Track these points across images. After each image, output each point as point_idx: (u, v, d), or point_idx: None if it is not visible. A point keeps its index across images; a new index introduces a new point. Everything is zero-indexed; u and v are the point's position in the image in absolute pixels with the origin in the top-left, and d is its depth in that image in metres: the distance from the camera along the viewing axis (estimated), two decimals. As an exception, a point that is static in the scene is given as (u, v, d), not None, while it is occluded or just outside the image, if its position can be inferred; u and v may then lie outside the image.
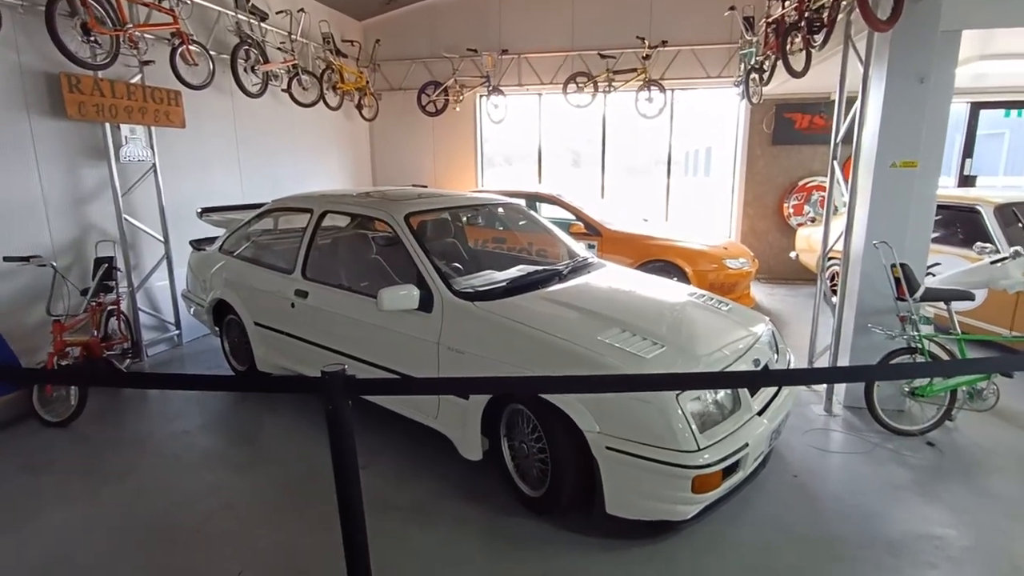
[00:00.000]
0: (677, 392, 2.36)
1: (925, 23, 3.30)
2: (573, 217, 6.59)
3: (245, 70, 5.95)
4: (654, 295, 3.44)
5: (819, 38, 4.08)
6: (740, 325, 3.15)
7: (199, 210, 4.91)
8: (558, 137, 9.77)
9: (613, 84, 8.05)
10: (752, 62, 6.12)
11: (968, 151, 7.74)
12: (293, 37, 6.65)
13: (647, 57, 7.75)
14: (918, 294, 3.39)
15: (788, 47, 4.64)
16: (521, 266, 3.60)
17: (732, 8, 6.50)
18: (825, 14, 4.00)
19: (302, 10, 6.57)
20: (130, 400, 4.20)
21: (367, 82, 8.27)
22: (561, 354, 2.60)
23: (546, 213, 7.10)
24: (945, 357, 3.45)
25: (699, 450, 2.30)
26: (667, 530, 2.65)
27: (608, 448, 2.40)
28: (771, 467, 3.19)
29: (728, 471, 2.41)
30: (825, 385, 3.94)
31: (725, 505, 2.81)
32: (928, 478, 3.10)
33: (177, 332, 5.41)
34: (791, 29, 4.62)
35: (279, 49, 6.49)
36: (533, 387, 2.34)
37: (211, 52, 5.40)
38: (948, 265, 5.02)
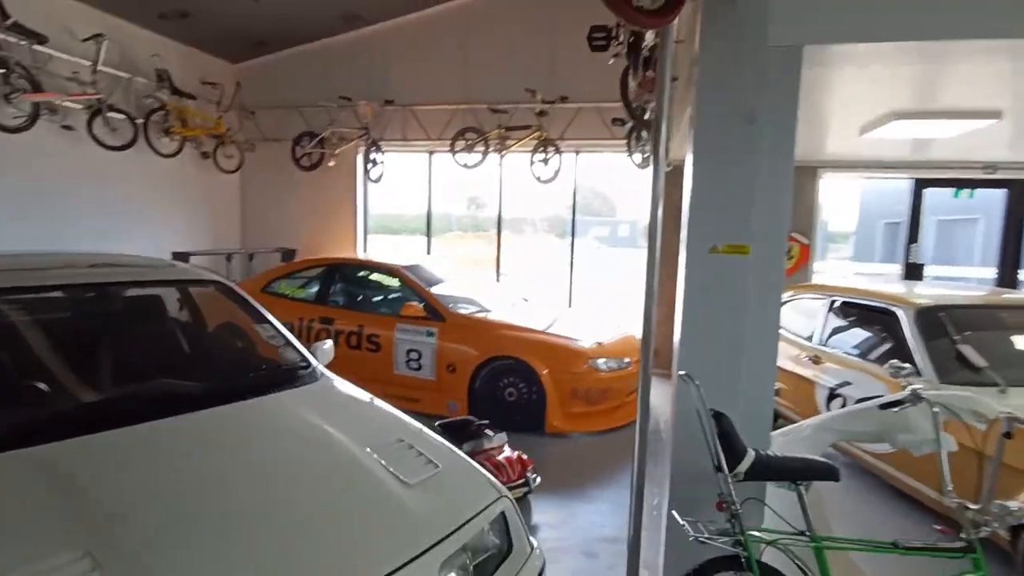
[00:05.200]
0: None
1: (746, 33, 2.11)
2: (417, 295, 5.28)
3: (7, 98, 4.81)
4: (302, 450, 2.06)
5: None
6: (420, 517, 1.78)
7: None
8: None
9: (507, 143, 6.98)
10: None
11: (913, 235, 6.56)
12: (97, 68, 5.57)
13: (542, 113, 6.71)
14: (742, 465, 2.02)
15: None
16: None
17: (617, 55, 5.47)
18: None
19: (99, 35, 5.52)
20: None
21: (226, 129, 7.18)
22: None
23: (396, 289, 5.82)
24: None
25: None
26: None
27: None
28: None
29: None
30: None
31: None
32: None
33: None
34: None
35: (71, 80, 5.38)
36: None
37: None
38: (860, 386, 3.68)
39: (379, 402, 2.62)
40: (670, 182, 6.46)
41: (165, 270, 2.94)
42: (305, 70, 7.68)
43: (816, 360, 4.17)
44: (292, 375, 2.64)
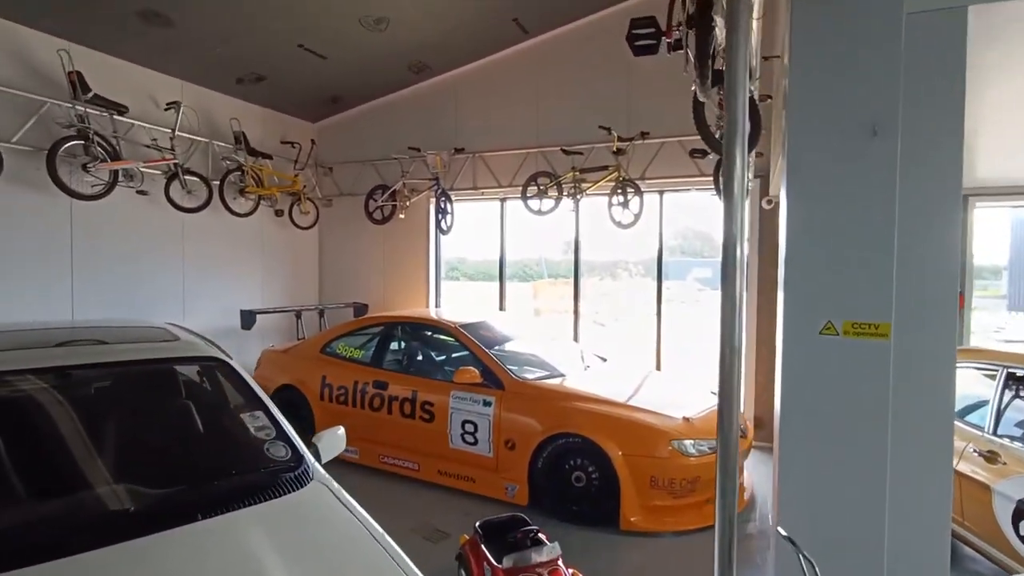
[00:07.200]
0: None
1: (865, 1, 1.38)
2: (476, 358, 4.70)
3: (86, 167, 4.98)
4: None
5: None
6: None
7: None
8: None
9: (582, 186, 6.39)
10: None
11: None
12: (176, 133, 5.72)
13: (619, 152, 6.07)
14: None
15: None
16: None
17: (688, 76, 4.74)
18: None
19: (177, 102, 5.68)
20: None
21: (303, 186, 7.23)
22: None
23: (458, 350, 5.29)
24: None
25: None
26: None
27: None
28: None
29: None
30: None
31: None
32: None
33: None
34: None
35: (149, 147, 5.54)
36: None
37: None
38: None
39: (371, 525, 2.01)
40: (773, 221, 5.53)
41: (157, 347, 2.59)
42: (377, 124, 7.64)
43: (991, 457, 3.05)
44: (270, 482, 2.11)
